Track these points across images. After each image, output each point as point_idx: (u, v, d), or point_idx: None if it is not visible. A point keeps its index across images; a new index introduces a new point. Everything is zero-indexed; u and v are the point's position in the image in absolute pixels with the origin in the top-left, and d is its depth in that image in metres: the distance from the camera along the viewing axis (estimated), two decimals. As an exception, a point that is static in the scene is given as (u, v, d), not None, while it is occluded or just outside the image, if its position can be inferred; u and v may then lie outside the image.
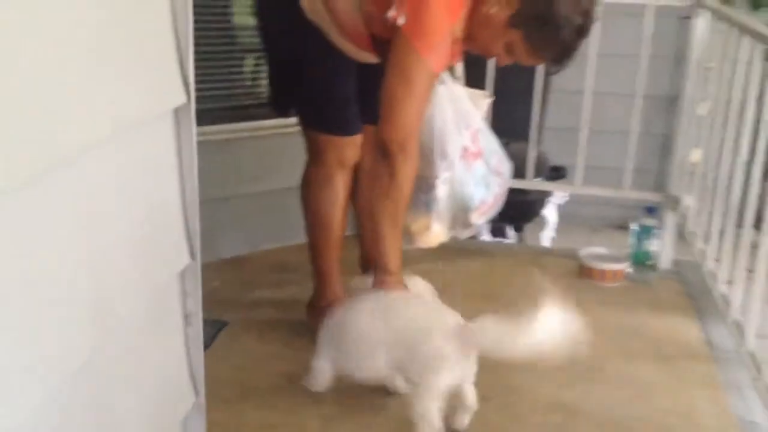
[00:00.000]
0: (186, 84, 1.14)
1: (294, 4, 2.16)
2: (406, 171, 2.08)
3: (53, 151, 0.88)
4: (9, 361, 0.85)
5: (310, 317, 2.46)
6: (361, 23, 2.14)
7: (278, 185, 3.01)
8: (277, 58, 2.38)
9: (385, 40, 2.07)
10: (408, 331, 1.93)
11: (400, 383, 2.07)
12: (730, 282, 2.22)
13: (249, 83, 3.36)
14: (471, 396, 1.99)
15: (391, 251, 2.08)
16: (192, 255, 1.21)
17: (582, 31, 1.98)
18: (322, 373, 2.08)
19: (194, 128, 1.18)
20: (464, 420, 2.03)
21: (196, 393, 1.29)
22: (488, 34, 2.04)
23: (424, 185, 2.32)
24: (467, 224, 2.38)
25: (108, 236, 1.01)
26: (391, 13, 1.96)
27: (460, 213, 2.37)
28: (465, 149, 2.35)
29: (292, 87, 2.34)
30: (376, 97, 2.10)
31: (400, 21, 1.95)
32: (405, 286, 2.10)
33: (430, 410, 1.88)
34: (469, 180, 2.36)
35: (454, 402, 1.98)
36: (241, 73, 3.33)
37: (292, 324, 2.51)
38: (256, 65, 3.30)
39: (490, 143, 2.47)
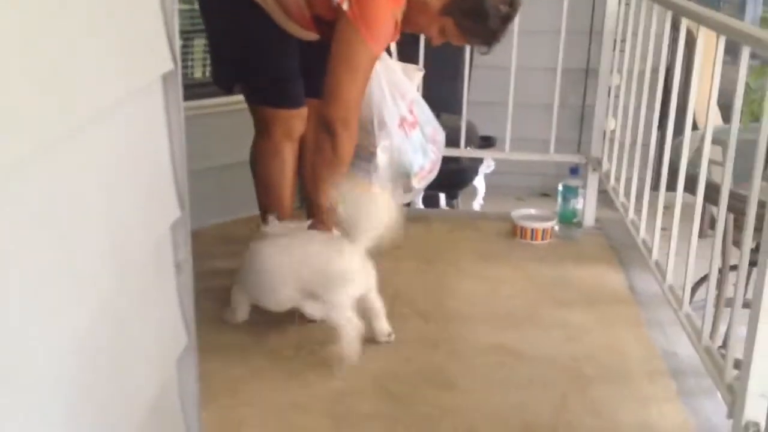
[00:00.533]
0: (173, 52, 1.27)
1: None
2: (348, 146, 2.26)
3: (72, 117, 1.01)
4: (45, 297, 0.98)
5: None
6: (304, 4, 2.27)
7: (225, 161, 3.12)
8: (220, 38, 2.49)
9: (327, 21, 2.22)
10: (312, 258, 2.21)
11: (310, 310, 2.29)
12: (650, 226, 2.45)
13: (192, 64, 3.46)
14: (377, 302, 2.29)
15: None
16: (182, 207, 1.34)
17: (507, 19, 2.22)
18: (241, 305, 2.36)
19: (181, 93, 1.32)
20: (382, 325, 2.31)
21: (188, 335, 1.43)
22: (424, 19, 2.23)
23: (366, 154, 2.47)
24: (408, 189, 2.55)
25: (118, 190, 1.14)
26: None
27: (402, 179, 2.54)
28: (402, 119, 2.52)
29: (236, 65, 2.46)
30: (319, 71, 2.25)
31: (345, 6, 2.10)
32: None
33: (348, 317, 2.17)
34: (408, 148, 2.53)
35: (367, 315, 2.27)
36: (185, 54, 3.42)
37: (247, 290, 2.64)
38: (189, 46, 3.40)
39: (425, 113, 2.65)
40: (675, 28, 2.37)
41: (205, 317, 2.41)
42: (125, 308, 1.17)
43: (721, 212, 1.85)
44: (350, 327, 2.18)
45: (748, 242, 1.72)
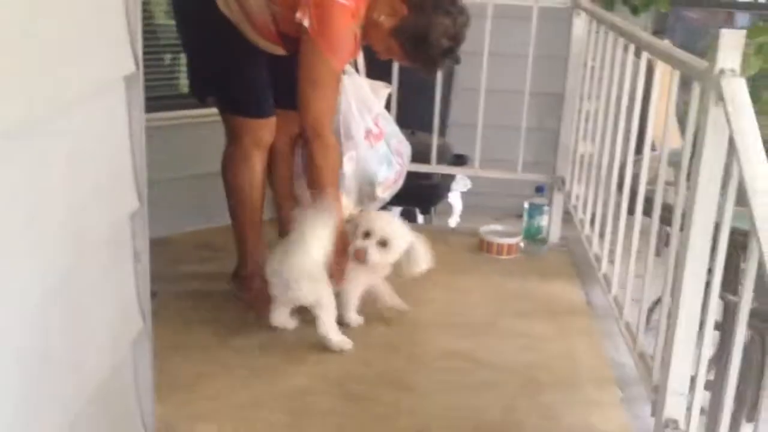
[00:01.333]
0: (135, 56, 1.39)
1: (211, 4, 2.39)
2: (323, 153, 2.36)
3: (39, 103, 1.12)
4: (9, 269, 1.09)
5: (235, 286, 2.71)
6: (270, 21, 2.40)
7: (200, 170, 3.22)
8: (194, 51, 2.61)
9: (292, 37, 2.35)
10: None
11: None
12: (601, 239, 2.57)
13: (169, 76, 3.58)
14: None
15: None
16: (140, 200, 1.46)
17: (449, 52, 2.35)
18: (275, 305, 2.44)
19: (142, 94, 1.43)
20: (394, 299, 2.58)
21: (144, 319, 1.53)
22: (373, 35, 2.37)
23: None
24: (373, 198, 2.66)
25: (80, 178, 1.25)
26: (298, 15, 2.23)
27: (367, 188, 2.65)
28: (368, 131, 2.64)
29: (208, 76, 2.58)
30: (287, 83, 2.38)
31: (305, 23, 2.22)
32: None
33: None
34: (373, 158, 2.64)
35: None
36: (162, 66, 3.54)
37: (218, 294, 2.75)
38: (174, 59, 3.52)
39: (391, 127, 2.77)
40: (637, 56, 2.48)
41: (173, 318, 2.53)
42: (82, 288, 1.28)
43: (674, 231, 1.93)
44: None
45: (673, 257, 1.83)
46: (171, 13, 2.95)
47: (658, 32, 4.70)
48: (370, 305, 2.68)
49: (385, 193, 2.67)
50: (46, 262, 1.20)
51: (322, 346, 2.42)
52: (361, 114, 2.57)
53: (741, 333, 1.50)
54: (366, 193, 2.61)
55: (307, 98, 2.30)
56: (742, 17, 6.08)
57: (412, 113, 3.44)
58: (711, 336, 1.71)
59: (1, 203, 1.07)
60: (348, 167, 2.55)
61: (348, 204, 2.58)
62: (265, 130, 2.56)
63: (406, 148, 2.77)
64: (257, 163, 2.58)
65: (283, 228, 2.84)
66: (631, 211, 2.34)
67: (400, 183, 2.74)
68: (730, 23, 6.20)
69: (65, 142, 1.24)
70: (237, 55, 2.49)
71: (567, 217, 3.37)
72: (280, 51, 2.46)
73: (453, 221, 4.28)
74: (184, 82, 3.60)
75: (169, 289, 2.76)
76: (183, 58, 3.53)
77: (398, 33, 2.31)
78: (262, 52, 2.48)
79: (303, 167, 2.59)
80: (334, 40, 2.23)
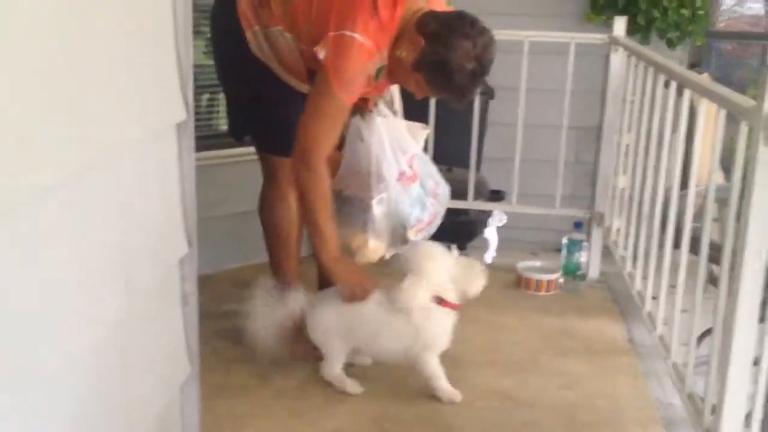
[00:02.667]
0: (186, 104, 1.40)
1: (244, 45, 2.44)
2: (312, 183, 2.32)
3: (92, 153, 1.14)
4: (60, 316, 1.10)
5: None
6: (299, 60, 2.43)
7: (237, 209, 3.26)
8: (233, 92, 2.66)
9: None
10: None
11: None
12: (645, 278, 2.54)
13: (207, 116, 3.63)
14: None
15: (324, 246, 2.35)
16: (190, 244, 1.47)
17: (476, 75, 2.27)
18: None
19: (193, 140, 1.45)
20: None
21: (192, 364, 1.53)
22: (400, 73, 2.37)
23: (362, 205, 2.55)
24: (405, 241, 2.61)
25: (131, 224, 1.27)
26: (317, 48, 2.25)
27: (399, 230, 2.60)
28: (401, 173, 2.61)
29: (246, 116, 2.61)
30: None
31: (321, 55, 2.24)
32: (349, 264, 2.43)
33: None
34: (405, 200, 2.60)
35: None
36: (200, 106, 3.59)
37: (257, 332, 2.75)
38: (211, 99, 3.57)
39: (428, 168, 2.73)
40: (680, 93, 2.46)
41: (214, 357, 2.54)
42: (133, 332, 1.29)
43: (724, 268, 1.90)
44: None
45: (723, 293, 1.80)
46: (210, 54, 3.00)
47: (694, 65, 4.68)
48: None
49: (417, 236, 2.64)
50: (98, 308, 1.21)
51: (362, 384, 2.41)
52: (395, 156, 2.56)
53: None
54: (398, 235, 2.58)
55: (307, 126, 2.30)
56: (776, 48, 6.04)
57: (448, 150, 3.45)
58: (765, 377, 1.68)
59: (55, 249, 1.08)
60: (378, 210, 2.53)
61: (379, 246, 2.57)
62: None
63: (443, 189, 2.74)
64: (294, 201, 2.59)
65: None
66: (675, 245, 2.31)
67: (435, 225, 2.71)
68: (764, 54, 6.17)
69: (117, 188, 1.25)
70: (272, 96, 2.52)
71: (605, 251, 3.34)
72: (306, 88, 2.49)
73: (489, 256, 4.25)
74: (221, 122, 3.65)
75: (210, 327, 2.77)
76: (220, 98, 3.60)
77: (419, 65, 2.29)
78: (296, 92, 2.51)
79: (335, 208, 2.59)
80: (345, 75, 2.24)
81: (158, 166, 1.38)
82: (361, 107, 2.50)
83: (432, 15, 2.28)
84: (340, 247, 2.56)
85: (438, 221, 2.70)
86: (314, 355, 2.51)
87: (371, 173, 2.50)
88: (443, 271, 2.37)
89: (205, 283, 3.16)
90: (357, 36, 2.20)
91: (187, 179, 1.45)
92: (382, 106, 2.57)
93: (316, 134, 2.30)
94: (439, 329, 2.36)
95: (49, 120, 1.02)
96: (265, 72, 2.47)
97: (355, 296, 2.37)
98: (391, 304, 2.33)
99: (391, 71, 2.35)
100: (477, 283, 2.40)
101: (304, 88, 2.50)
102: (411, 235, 2.57)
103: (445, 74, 2.26)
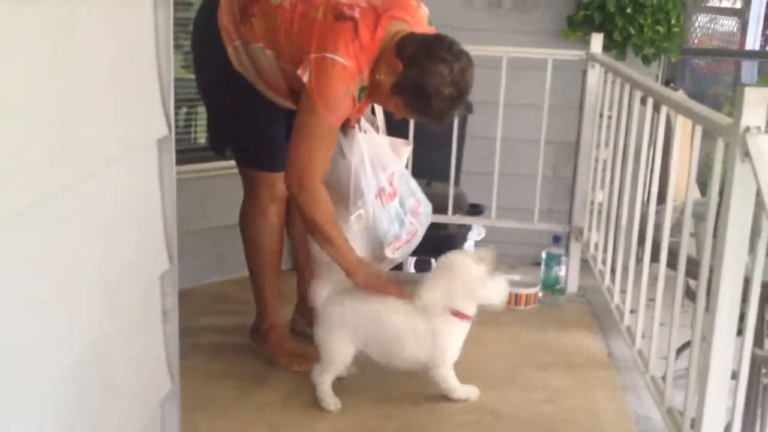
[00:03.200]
0: (168, 119, 1.40)
1: (225, 59, 2.43)
2: (313, 204, 2.34)
3: (74, 170, 1.14)
4: (40, 331, 1.09)
5: (254, 339, 2.71)
6: (280, 77, 2.43)
7: (216, 223, 3.24)
8: (213, 106, 2.66)
9: (300, 92, 2.37)
10: None
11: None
12: (623, 292, 2.56)
13: (185, 129, 3.62)
14: None
15: (339, 254, 2.36)
16: (171, 260, 1.46)
17: (454, 99, 2.27)
18: None
19: (173, 156, 1.45)
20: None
21: (172, 380, 1.52)
22: (380, 95, 2.38)
23: (345, 218, 2.56)
24: (382, 258, 2.60)
25: (113, 240, 1.26)
26: (299, 71, 2.26)
27: (376, 247, 2.60)
28: (381, 189, 2.61)
29: (227, 130, 2.62)
30: None
31: (305, 78, 2.25)
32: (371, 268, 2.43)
33: None
34: (383, 217, 2.59)
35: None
36: (178, 120, 3.58)
37: (237, 346, 2.74)
38: (190, 113, 3.56)
39: (410, 186, 2.72)
40: (656, 110, 2.49)
41: (192, 371, 2.51)
42: (114, 348, 1.28)
43: (701, 282, 1.92)
44: None
45: (701, 308, 1.82)
46: (189, 68, 2.99)
47: (669, 81, 4.74)
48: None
49: (395, 254, 2.63)
50: (79, 322, 1.20)
51: (342, 398, 2.40)
52: (375, 172, 2.55)
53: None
54: (376, 252, 2.58)
55: (296, 149, 2.31)
56: (749, 65, 6.15)
57: (427, 164, 3.45)
58: (744, 390, 1.70)
59: (36, 264, 1.07)
60: (356, 226, 2.53)
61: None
62: (282, 182, 2.56)
63: (425, 208, 2.74)
64: (274, 215, 2.60)
65: (301, 279, 2.85)
66: (652, 259, 2.33)
67: (414, 243, 2.70)
68: (737, 71, 6.27)
69: (99, 204, 1.25)
70: (254, 110, 2.52)
71: (583, 265, 3.36)
72: (291, 105, 2.49)
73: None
74: (199, 135, 3.64)
75: (188, 342, 2.74)
76: (198, 112, 3.59)
77: (398, 89, 2.30)
78: (277, 106, 2.51)
79: None
80: (329, 96, 2.24)
81: (139, 181, 1.38)
82: (343, 123, 2.51)
83: (410, 38, 2.29)
84: (318, 262, 2.57)
85: (417, 239, 2.70)
86: (301, 359, 2.54)
87: (350, 189, 2.50)
88: (464, 281, 2.38)
89: (183, 297, 3.12)
90: (338, 58, 2.21)
91: (168, 194, 1.45)
92: (364, 122, 2.58)
93: (308, 158, 2.30)
94: (455, 341, 2.41)
95: (31, 138, 1.02)
96: (246, 86, 2.47)
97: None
98: (412, 303, 2.36)
99: (371, 93, 2.36)
100: (497, 296, 2.42)
101: (285, 103, 2.50)
102: (388, 252, 2.56)
103: (423, 98, 2.27)
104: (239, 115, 2.55)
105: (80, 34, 1.13)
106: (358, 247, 2.52)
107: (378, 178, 2.55)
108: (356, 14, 2.25)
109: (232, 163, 2.76)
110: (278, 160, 2.56)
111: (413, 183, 2.73)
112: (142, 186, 1.40)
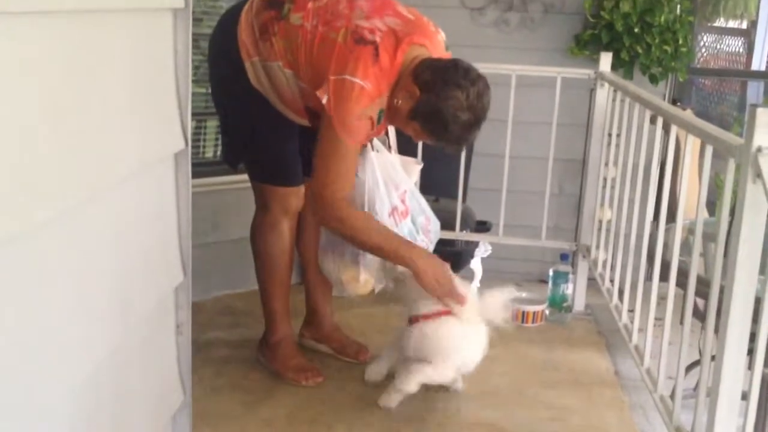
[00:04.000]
0: (185, 134, 1.41)
1: (242, 74, 2.44)
2: (345, 224, 2.37)
3: (93, 184, 1.15)
4: (57, 343, 1.10)
5: (262, 353, 2.71)
6: (298, 95, 2.45)
7: (225, 237, 3.25)
8: (228, 120, 2.66)
9: (317, 112, 2.39)
10: None
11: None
12: (631, 311, 2.56)
13: (194, 143, 3.64)
14: None
15: (396, 249, 2.39)
16: (185, 273, 1.47)
17: (471, 125, 2.30)
18: None
19: (189, 169, 1.46)
20: None
21: (184, 392, 1.53)
22: (398, 119, 2.40)
23: None
24: (394, 275, 2.58)
25: (128, 252, 1.27)
26: (319, 93, 2.28)
27: (389, 265, 2.62)
28: (393, 208, 2.62)
29: (240, 144, 2.62)
30: (313, 152, 2.41)
31: (324, 100, 2.27)
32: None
33: None
34: None
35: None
36: (198, 134, 3.59)
37: (244, 360, 2.75)
38: (199, 127, 3.57)
39: (420, 204, 2.74)
40: (666, 131, 2.50)
41: (200, 385, 2.52)
42: (129, 360, 1.28)
43: (711, 303, 1.92)
44: None
45: (710, 327, 1.82)
46: (198, 82, 3.01)
47: (676, 100, 4.75)
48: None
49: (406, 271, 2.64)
50: (95, 335, 1.21)
51: (350, 414, 2.40)
52: (388, 191, 2.57)
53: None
54: (388, 270, 2.59)
55: (320, 173, 2.33)
56: (755, 85, 6.17)
57: (435, 180, 3.46)
58: (754, 410, 1.69)
59: (53, 277, 1.08)
60: None
61: (369, 281, 2.57)
62: (294, 198, 2.58)
63: (434, 226, 2.75)
64: (286, 230, 2.60)
65: (309, 293, 2.85)
66: (660, 278, 2.33)
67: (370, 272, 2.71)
68: (743, 91, 6.29)
69: (115, 217, 1.26)
70: (268, 126, 2.53)
71: (590, 283, 3.36)
72: (306, 123, 2.51)
73: (474, 287, 4.26)
74: (207, 149, 3.65)
75: (196, 355, 2.74)
76: (207, 126, 3.61)
77: (415, 114, 2.31)
78: (292, 123, 2.53)
79: (327, 241, 2.60)
80: (347, 118, 2.26)
81: (156, 194, 1.39)
82: None
83: (427, 63, 2.30)
84: (331, 281, 2.59)
85: None
86: (309, 373, 2.56)
87: (364, 208, 2.50)
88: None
89: (191, 310, 3.18)
90: (357, 80, 2.23)
91: (184, 207, 1.46)
92: (376, 141, 2.59)
93: (331, 179, 2.33)
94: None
95: (51, 153, 1.03)
96: (262, 102, 2.48)
97: (440, 285, 2.41)
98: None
99: (390, 117, 2.38)
100: (499, 315, 2.49)
101: (300, 120, 2.52)
102: (400, 269, 2.57)
103: (440, 124, 2.29)
104: (254, 130, 2.56)
105: (101, 51, 1.14)
106: (372, 265, 2.53)
107: (391, 197, 2.57)
108: (377, 38, 2.27)
109: (239, 177, 2.77)
110: (291, 176, 2.58)
111: (423, 200, 2.75)
112: (159, 199, 1.41)
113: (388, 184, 2.56)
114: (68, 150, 1.09)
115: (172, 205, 1.44)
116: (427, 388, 2.63)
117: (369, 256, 2.54)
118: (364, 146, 2.52)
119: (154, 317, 1.41)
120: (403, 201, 2.62)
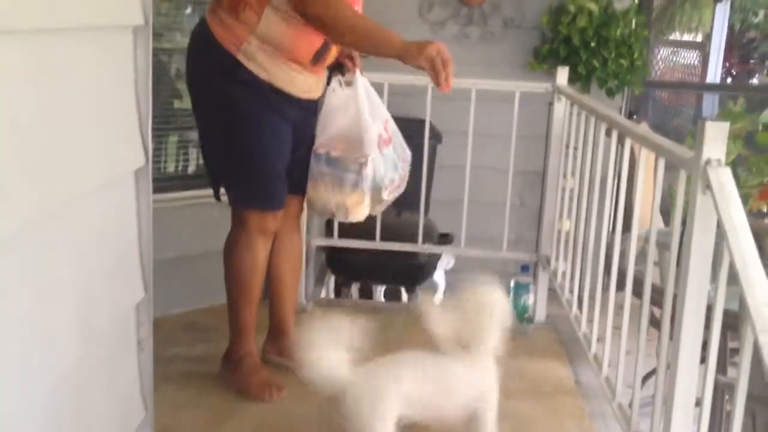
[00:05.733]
0: (146, 150, 1.42)
1: (238, 80, 2.38)
2: (329, 12, 2.32)
3: (52, 201, 1.15)
4: (13, 362, 1.10)
5: (226, 369, 2.70)
6: (299, 34, 2.38)
7: (188, 252, 3.23)
8: (215, 142, 2.55)
9: (323, 48, 2.41)
10: None
11: None
12: (590, 321, 2.60)
13: (156, 158, 3.62)
14: None
15: (383, 36, 2.36)
16: (146, 289, 1.47)
17: None
18: None
19: (150, 186, 1.46)
20: None
21: (146, 408, 1.53)
22: None
23: (355, 165, 2.58)
24: (380, 201, 2.66)
25: (88, 268, 1.28)
26: None
27: (375, 191, 2.65)
28: (379, 136, 2.67)
29: (223, 166, 2.54)
30: (300, 169, 2.51)
31: None
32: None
33: None
34: (382, 162, 2.65)
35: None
36: (159, 149, 3.58)
37: (207, 376, 2.73)
38: (161, 141, 3.57)
39: (396, 132, 2.78)
40: (620, 142, 2.55)
41: (162, 401, 2.50)
42: (89, 377, 1.28)
43: (665, 310, 1.97)
44: None
45: (665, 336, 1.87)
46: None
47: (632, 113, 4.85)
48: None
49: (390, 197, 2.68)
50: (54, 351, 1.21)
51: (316, 426, 2.40)
52: (374, 119, 2.60)
53: (740, 415, 1.53)
54: (375, 197, 2.62)
55: None
56: (709, 97, 6.31)
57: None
58: (707, 416, 1.74)
59: (12, 293, 1.08)
60: (370, 169, 2.57)
61: (367, 207, 2.62)
62: (273, 219, 2.55)
63: (407, 154, 2.79)
64: (261, 249, 2.58)
65: (275, 308, 2.83)
66: (618, 288, 2.38)
67: (402, 188, 2.76)
68: (698, 103, 6.43)
69: (75, 233, 1.26)
70: (261, 142, 2.47)
71: (551, 294, 3.41)
72: (315, 88, 2.53)
73: (437, 299, 4.30)
74: (169, 165, 3.65)
75: (157, 371, 2.73)
76: (169, 141, 3.60)
77: None
78: (285, 137, 2.50)
79: (318, 173, 2.61)
80: None
81: (117, 211, 1.39)
82: (344, 65, 2.60)
83: None
84: (327, 209, 2.63)
85: (405, 184, 2.77)
86: (273, 388, 2.55)
87: (360, 134, 2.55)
88: None
89: (153, 326, 3.16)
90: None
91: (144, 223, 1.47)
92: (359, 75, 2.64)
93: None
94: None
95: (11, 169, 1.03)
96: (258, 113, 2.44)
97: (436, 59, 2.34)
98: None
99: None
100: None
101: (308, 85, 2.51)
102: (384, 195, 2.63)
103: None
104: (246, 146, 2.47)
105: (62, 69, 1.15)
106: (368, 190, 2.59)
107: (377, 124, 2.62)
108: None
109: (202, 192, 2.75)
110: (275, 200, 2.55)
111: (398, 130, 2.79)
112: (120, 215, 1.41)
113: (373, 112, 2.63)
114: (29, 166, 1.09)
115: (133, 222, 1.44)
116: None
117: (369, 181, 2.57)
118: (353, 74, 2.57)
119: (114, 333, 1.41)
120: (386, 129, 2.67)
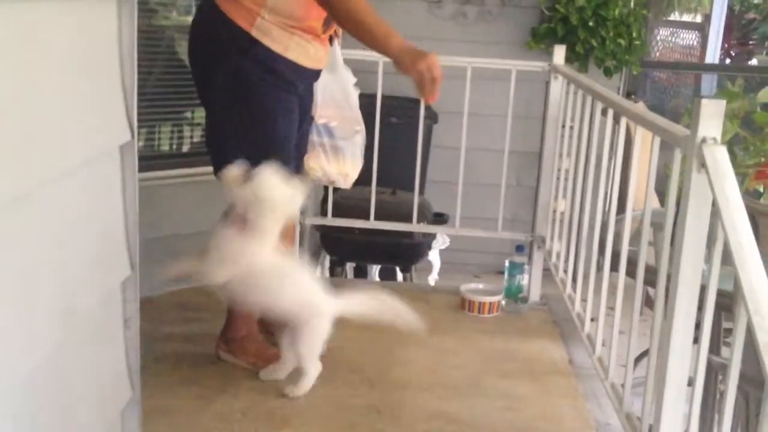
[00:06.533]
0: (131, 125, 1.40)
1: (254, 58, 2.32)
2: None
3: (34, 175, 1.13)
4: (4, 337, 1.08)
5: (228, 349, 2.68)
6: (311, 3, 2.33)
7: (179, 231, 3.21)
8: (220, 121, 2.45)
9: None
10: None
11: None
12: (584, 300, 2.59)
13: (150, 135, 3.59)
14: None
15: (382, 36, 2.35)
16: (132, 267, 1.45)
17: None
18: None
19: (136, 162, 1.44)
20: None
21: (133, 388, 1.51)
22: None
23: (351, 133, 2.73)
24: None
25: (73, 247, 1.25)
26: None
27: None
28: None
29: (232, 147, 2.40)
30: (302, 145, 2.57)
31: None
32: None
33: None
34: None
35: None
36: (140, 126, 3.55)
37: (199, 355, 2.72)
38: (146, 116, 3.52)
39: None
40: (616, 121, 2.53)
41: (153, 380, 2.49)
42: (73, 356, 1.27)
43: (659, 291, 1.96)
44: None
45: (659, 316, 1.85)
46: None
47: (630, 93, 4.82)
48: (349, 369, 2.68)
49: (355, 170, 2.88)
50: (37, 330, 1.19)
51: (306, 407, 2.40)
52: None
53: (732, 395, 1.52)
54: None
55: None
56: (708, 78, 6.27)
57: (392, 173, 3.48)
58: (700, 396, 1.73)
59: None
60: (362, 136, 2.75)
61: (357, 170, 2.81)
62: None
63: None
64: None
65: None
66: (612, 268, 2.36)
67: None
68: (697, 84, 6.39)
69: (58, 210, 1.24)
70: (279, 125, 2.43)
71: (546, 274, 3.40)
72: (323, 56, 2.53)
73: (432, 279, 4.29)
74: (162, 142, 3.62)
75: (151, 349, 2.72)
76: (159, 116, 3.56)
77: None
78: (295, 117, 2.48)
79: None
80: None
81: (101, 187, 1.37)
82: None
83: None
84: (328, 179, 2.79)
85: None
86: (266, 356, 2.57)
87: (351, 105, 2.69)
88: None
89: (143, 305, 3.14)
90: None
91: (130, 200, 1.44)
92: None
93: None
94: None
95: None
96: (270, 98, 2.39)
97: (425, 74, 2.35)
98: None
99: None
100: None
101: (320, 54, 2.48)
102: (358, 165, 2.88)
103: None
104: (264, 134, 2.41)
105: (42, 39, 1.12)
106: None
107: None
108: None
109: (195, 170, 2.74)
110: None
111: None
112: (104, 192, 1.39)
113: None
114: (8, 142, 1.06)
115: (118, 199, 1.42)
116: (382, 380, 2.65)
117: (358, 151, 2.76)
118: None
119: (100, 312, 1.39)
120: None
